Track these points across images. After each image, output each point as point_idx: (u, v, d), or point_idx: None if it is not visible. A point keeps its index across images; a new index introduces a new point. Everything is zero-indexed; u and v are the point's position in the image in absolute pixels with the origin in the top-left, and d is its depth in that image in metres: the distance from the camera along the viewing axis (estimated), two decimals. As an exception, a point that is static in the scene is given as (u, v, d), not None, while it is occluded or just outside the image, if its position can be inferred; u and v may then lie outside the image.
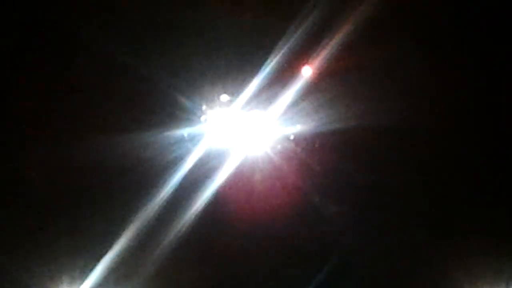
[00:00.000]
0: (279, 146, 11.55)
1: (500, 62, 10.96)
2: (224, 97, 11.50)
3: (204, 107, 11.49)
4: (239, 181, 11.42)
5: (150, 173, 11.22)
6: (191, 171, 11.16)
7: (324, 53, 10.87)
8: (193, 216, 11.25)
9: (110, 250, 10.92)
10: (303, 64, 11.13)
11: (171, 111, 11.33)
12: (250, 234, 11.49)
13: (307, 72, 11.10)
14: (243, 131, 11.55)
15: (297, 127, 11.48)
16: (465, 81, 11.06)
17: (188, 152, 11.26)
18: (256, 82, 11.11)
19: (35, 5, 10.91)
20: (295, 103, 11.23)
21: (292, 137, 11.54)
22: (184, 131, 11.40)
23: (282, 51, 10.88)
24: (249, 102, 11.33)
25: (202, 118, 11.51)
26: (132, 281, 11.29)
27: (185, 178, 11.16)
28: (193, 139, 11.42)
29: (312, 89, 11.18)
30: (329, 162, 11.47)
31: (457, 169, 11.30)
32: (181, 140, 11.41)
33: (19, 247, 10.98)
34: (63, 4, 10.89)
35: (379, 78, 11.08)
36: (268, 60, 10.96)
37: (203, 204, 11.22)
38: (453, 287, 11.16)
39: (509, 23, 10.90)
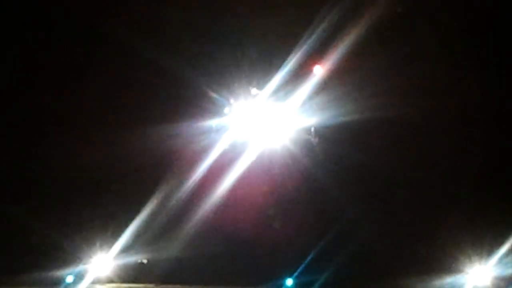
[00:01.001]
0: (297, 137, 12.04)
1: (499, 63, 11.56)
2: (249, 92, 11.94)
3: (230, 101, 12.02)
4: (260, 169, 11.88)
5: (179, 161, 11.80)
6: (217, 160, 11.67)
7: (338, 53, 11.26)
8: (216, 199, 11.76)
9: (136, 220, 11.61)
10: (319, 63, 11.55)
11: (200, 104, 11.83)
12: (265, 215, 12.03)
13: (323, 69, 11.51)
14: (264, 123, 11.94)
15: (314, 120, 11.94)
16: (466, 80, 11.58)
17: (215, 142, 11.76)
18: (277, 78, 11.59)
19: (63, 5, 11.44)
20: (312, 98, 11.71)
21: (309, 129, 12.02)
22: (212, 123, 11.93)
23: (301, 50, 11.32)
24: (270, 96, 11.80)
25: (228, 110, 12.03)
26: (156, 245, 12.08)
27: (211, 166, 11.64)
28: (220, 130, 11.92)
29: (327, 85, 11.66)
30: (342, 152, 11.86)
31: (450, 162, 12.01)
32: (209, 130, 11.92)
33: (61, 218, 11.77)
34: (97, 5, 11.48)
35: (389, 75, 11.45)
36: (288, 59, 11.42)
37: (225, 190, 11.75)
38: (445, 257, 11.96)
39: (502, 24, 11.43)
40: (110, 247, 12.03)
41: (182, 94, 11.85)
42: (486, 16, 11.40)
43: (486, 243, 11.85)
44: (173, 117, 11.75)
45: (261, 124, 12.02)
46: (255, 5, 11.50)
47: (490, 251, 11.80)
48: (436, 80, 11.59)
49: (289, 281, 12.13)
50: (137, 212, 11.75)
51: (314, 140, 12.08)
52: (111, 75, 11.85)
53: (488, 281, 12.03)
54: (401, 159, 11.85)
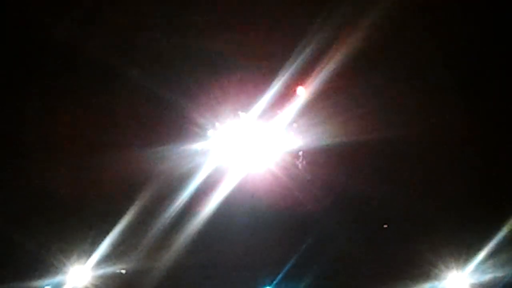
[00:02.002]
0: (281, 160, 11.96)
1: (483, 86, 11.59)
2: (233, 114, 11.75)
3: (215, 124, 11.83)
4: (245, 191, 11.87)
5: (164, 184, 11.71)
6: (202, 182, 11.62)
7: (324, 75, 11.14)
8: (199, 219, 11.80)
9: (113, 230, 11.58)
10: (305, 85, 11.38)
11: (184, 127, 11.67)
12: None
13: (309, 92, 11.34)
14: (249, 145, 11.83)
15: (300, 143, 11.88)
16: (451, 102, 11.55)
17: (200, 164, 11.68)
18: (262, 101, 11.43)
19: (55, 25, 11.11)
20: (297, 120, 11.66)
21: (294, 151, 11.94)
22: (196, 146, 11.78)
23: (287, 72, 11.19)
24: (255, 119, 11.64)
25: (213, 133, 11.83)
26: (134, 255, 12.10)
27: (196, 188, 11.64)
28: (205, 153, 11.78)
29: (313, 108, 11.53)
30: (327, 174, 11.95)
31: (437, 181, 12.09)
32: (194, 153, 11.79)
33: (39, 229, 11.68)
34: (84, 28, 11.17)
35: (374, 97, 11.49)
36: (273, 81, 11.28)
37: (211, 211, 11.78)
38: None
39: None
40: (88, 257, 12.01)
41: (165, 116, 11.77)
42: (472, 38, 11.30)
43: (463, 250, 11.96)
44: (155, 139, 11.71)
45: (246, 147, 11.95)
46: (241, 26, 11.38)
47: (467, 258, 11.90)
48: (422, 102, 11.58)
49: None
50: (115, 223, 11.73)
51: (301, 163, 12.12)
52: (92, 97, 11.73)
53: (465, 287, 12.13)
54: (382, 178, 12.00)
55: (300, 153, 12.06)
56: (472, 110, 11.69)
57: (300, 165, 12.17)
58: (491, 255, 11.63)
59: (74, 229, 12.05)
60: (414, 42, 11.39)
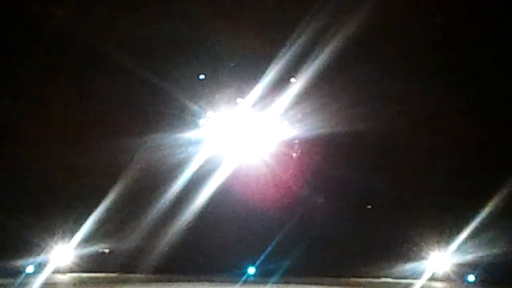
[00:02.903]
0: (275, 148, 12.36)
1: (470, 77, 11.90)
2: (227, 103, 12.16)
3: (208, 112, 12.24)
4: (239, 180, 12.05)
5: (152, 169, 11.89)
6: (195, 172, 11.76)
7: (317, 65, 11.43)
8: (186, 204, 11.78)
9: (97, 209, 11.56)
10: (299, 74, 11.68)
11: (178, 116, 12.02)
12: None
13: (303, 81, 11.62)
14: (242, 134, 12.23)
15: (293, 132, 12.35)
16: (441, 93, 11.91)
17: (193, 153, 11.92)
18: (256, 89, 11.76)
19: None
20: (291, 109, 12.00)
21: (289, 141, 12.38)
22: (190, 134, 12.14)
23: (280, 61, 11.49)
24: (249, 108, 12.01)
25: (206, 122, 12.26)
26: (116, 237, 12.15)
27: (189, 178, 11.73)
28: (197, 142, 12.10)
29: (306, 97, 11.87)
30: (319, 163, 12.27)
31: (420, 165, 12.29)
32: (187, 142, 12.11)
33: (21, 208, 11.74)
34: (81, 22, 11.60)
35: (366, 87, 11.88)
36: (267, 70, 11.60)
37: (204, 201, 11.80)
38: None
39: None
40: (71, 237, 12.00)
41: (159, 105, 11.98)
42: (464, 31, 11.65)
43: (445, 230, 12.04)
44: (149, 128, 11.93)
45: (240, 136, 12.25)
46: (234, 17, 11.66)
47: (449, 238, 11.97)
48: (411, 95, 11.89)
49: (251, 270, 12.26)
50: (98, 202, 11.71)
51: (295, 153, 12.41)
52: (84, 84, 12.06)
53: (448, 267, 12.20)
54: (368, 164, 12.25)
55: (294, 142, 12.40)
56: (457, 103, 11.97)
57: (292, 154, 12.43)
58: (473, 235, 11.68)
59: (57, 208, 12.10)
60: (403, 35, 11.64)
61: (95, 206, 11.71)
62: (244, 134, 12.30)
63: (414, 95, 12.00)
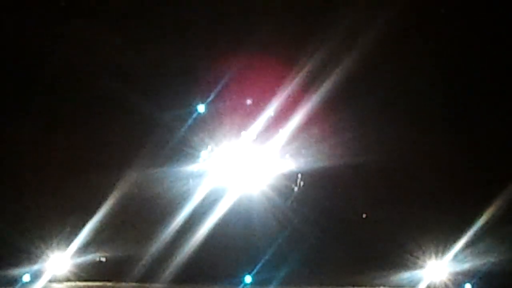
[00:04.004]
0: (276, 182, 12.38)
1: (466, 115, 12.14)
2: (229, 137, 12.22)
3: (209, 146, 12.28)
4: (238, 215, 12.08)
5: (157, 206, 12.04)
6: (196, 205, 11.86)
7: (319, 99, 11.62)
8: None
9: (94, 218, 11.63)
10: (300, 108, 11.81)
11: (179, 150, 12.13)
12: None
13: (304, 115, 11.77)
14: (243, 168, 12.28)
15: (295, 166, 12.36)
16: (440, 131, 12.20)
17: (194, 187, 12.02)
18: (258, 123, 11.96)
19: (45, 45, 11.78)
20: (292, 143, 12.09)
21: (291, 175, 12.40)
22: (191, 168, 12.22)
23: (282, 95, 11.71)
24: (250, 142, 12.14)
25: (207, 156, 12.30)
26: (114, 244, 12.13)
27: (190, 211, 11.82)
28: (199, 176, 12.17)
29: (307, 131, 12.03)
30: (321, 198, 12.34)
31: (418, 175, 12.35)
32: (188, 176, 12.20)
33: (17, 216, 11.82)
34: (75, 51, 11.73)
35: (368, 120, 11.99)
36: (268, 103, 11.85)
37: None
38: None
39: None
40: (68, 245, 11.99)
41: (160, 138, 12.05)
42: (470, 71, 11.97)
43: (442, 239, 12.03)
44: (150, 162, 12.00)
45: (241, 170, 12.29)
46: (235, 51, 11.71)
47: (446, 247, 11.96)
48: (412, 129, 12.08)
49: (248, 278, 12.23)
50: (95, 210, 11.73)
51: (296, 186, 12.44)
52: (87, 117, 12.11)
53: (444, 276, 12.19)
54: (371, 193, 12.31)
55: (297, 175, 12.40)
56: (461, 138, 12.11)
57: (294, 186, 12.46)
58: (470, 244, 11.69)
59: (54, 216, 12.07)
60: (411, 67, 11.88)
61: (93, 214, 11.73)
62: (245, 167, 12.35)
63: (415, 130, 12.18)
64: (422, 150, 12.33)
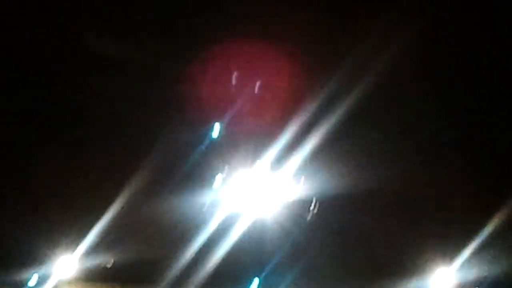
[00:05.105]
0: (289, 208, 12.47)
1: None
2: (241, 166, 12.35)
3: (223, 176, 12.40)
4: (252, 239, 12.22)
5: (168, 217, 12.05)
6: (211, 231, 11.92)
7: (331, 126, 11.68)
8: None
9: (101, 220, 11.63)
10: (312, 136, 11.85)
11: (192, 179, 12.27)
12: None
13: (317, 142, 11.83)
14: (258, 195, 12.39)
15: (308, 192, 12.44)
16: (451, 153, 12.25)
17: (209, 215, 12.09)
18: (271, 151, 12.04)
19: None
20: (305, 170, 12.18)
21: (305, 201, 12.50)
22: (206, 197, 12.32)
23: (295, 122, 11.72)
24: (264, 168, 12.24)
25: (222, 184, 12.43)
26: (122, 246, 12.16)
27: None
28: (214, 204, 12.27)
29: (320, 157, 12.05)
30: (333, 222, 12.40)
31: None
32: (202, 205, 12.28)
33: (25, 218, 11.80)
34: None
35: (375, 149, 12.16)
36: (282, 131, 11.88)
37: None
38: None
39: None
40: (75, 248, 11.97)
41: (174, 166, 12.15)
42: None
43: (450, 247, 12.06)
44: (173, 191, 12.13)
45: (254, 197, 12.42)
46: (245, 76, 11.85)
47: (453, 255, 11.99)
48: (427, 153, 12.25)
49: (255, 282, 12.29)
50: (103, 213, 11.71)
51: (310, 213, 12.57)
52: (103, 146, 12.11)
53: (451, 284, 12.21)
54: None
55: (312, 201, 12.52)
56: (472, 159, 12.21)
57: (307, 213, 12.59)
58: (478, 252, 11.71)
59: (61, 219, 12.04)
60: (424, 93, 12.02)
61: (100, 217, 11.71)
62: (258, 195, 12.49)
63: (427, 157, 12.34)
64: (429, 161, 12.43)
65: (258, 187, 12.57)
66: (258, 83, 11.96)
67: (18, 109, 12.03)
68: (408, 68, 11.75)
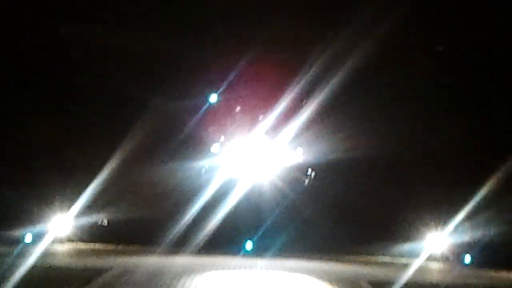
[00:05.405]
0: (284, 173, 12.82)
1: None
2: (240, 131, 12.68)
3: (220, 142, 12.78)
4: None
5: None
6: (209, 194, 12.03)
7: (326, 95, 11.95)
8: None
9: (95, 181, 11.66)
10: (307, 103, 12.26)
11: (192, 145, 12.67)
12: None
13: (310, 109, 12.16)
14: (254, 160, 12.73)
15: (304, 158, 12.87)
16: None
17: (207, 180, 12.31)
18: (269, 117, 12.33)
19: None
20: (300, 137, 12.50)
21: (300, 167, 12.90)
22: (204, 163, 12.71)
23: (290, 89, 12.06)
24: (261, 134, 12.58)
25: (219, 151, 12.80)
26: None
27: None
28: (212, 169, 12.59)
29: (314, 125, 12.45)
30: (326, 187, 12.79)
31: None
32: (201, 171, 12.66)
33: (20, 179, 11.90)
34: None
35: (371, 117, 12.34)
36: (277, 98, 12.18)
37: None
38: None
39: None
40: (70, 207, 12.02)
41: (177, 137, 12.45)
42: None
43: (443, 211, 12.14)
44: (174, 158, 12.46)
45: (251, 162, 12.74)
46: (248, 44, 11.92)
47: (447, 219, 12.07)
48: (420, 119, 12.49)
49: (249, 244, 12.46)
50: (97, 174, 11.72)
51: (306, 178, 12.99)
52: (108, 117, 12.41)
53: (444, 248, 12.32)
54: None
55: (307, 168, 12.99)
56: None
57: (304, 179, 13.01)
58: (470, 217, 11.78)
59: (57, 179, 12.15)
60: (416, 64, 12.27)
61: (94, 177, 11.71)
62: (256, 160, 12.81)
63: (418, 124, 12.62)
64: (422, 128, 12.69)
65: (256, 153, 12.78)
66: (256, 52, 11.99)
67: (16, 77, 12.20)
68: (401, 37, 11.82)
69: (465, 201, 11.66)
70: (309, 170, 13.08)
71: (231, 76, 12.33)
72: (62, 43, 12.23)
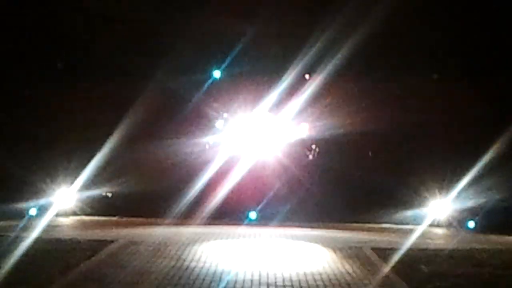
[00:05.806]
0: (288, 148, 12.88)
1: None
2: (243, 107, 12.64)
3: (225, 116, 12.81)
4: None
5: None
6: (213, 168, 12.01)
7: (327, 72, 11.98)
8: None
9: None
10: (310, 79, 12.35)
11: (197, 121, 12.70)
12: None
13: (314, 87, 12.19)
14: (257, 136, 12.81)
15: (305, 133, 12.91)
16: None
17: (211, 155, 12.35)
18: (272, 93, 12.30)
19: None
20: (303, 112, 12.52)
21: (304, 142, 12.95)
22: (209, 139, 12.77)
23: (293, 65, 12.02)
24: (264, 110, 12.56)
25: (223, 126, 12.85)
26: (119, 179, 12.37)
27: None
28: (216, 145, 12.67)
29: (317, 101, 12.46)
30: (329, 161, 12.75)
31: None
32: (206, 145, 12.73)
33: (24, 152, 11.93)
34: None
35: (374, 92, 12.35)
36: (281, 75, 12.19)
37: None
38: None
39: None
40: (74, 180, 12.03)
41: (181, 113, 12.43)
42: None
43: (446, 178, 12.15)
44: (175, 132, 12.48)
45: (255, 138, 12.83)
46: (251, 21, 11.92)
47: (450, 185, 12.08)
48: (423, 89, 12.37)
49: (253, 214, 12.54)
50: (101, 147, 11.76)
51: (311, 153, 12.99)
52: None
53: (448, 214, 12.35)
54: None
55: (311, 144, 13.01)
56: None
57: (308, 153, 13.01)
58: (473, 183, 11.79)
59: (61, 152, 12.15)
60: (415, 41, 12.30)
61: (99, 151, 11.75)
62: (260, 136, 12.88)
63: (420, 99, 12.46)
64: (425, 98, 12.50)
65: (260, 129, 12.83)
66: (261, 26, 11.93)
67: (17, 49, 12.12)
68: (405, 10, 11.76)
69: (468, 167, 11.66)
70: (313, 146, 13.10)
71: (235, 52, 12.30)
72: (63, 16, 12.11)
